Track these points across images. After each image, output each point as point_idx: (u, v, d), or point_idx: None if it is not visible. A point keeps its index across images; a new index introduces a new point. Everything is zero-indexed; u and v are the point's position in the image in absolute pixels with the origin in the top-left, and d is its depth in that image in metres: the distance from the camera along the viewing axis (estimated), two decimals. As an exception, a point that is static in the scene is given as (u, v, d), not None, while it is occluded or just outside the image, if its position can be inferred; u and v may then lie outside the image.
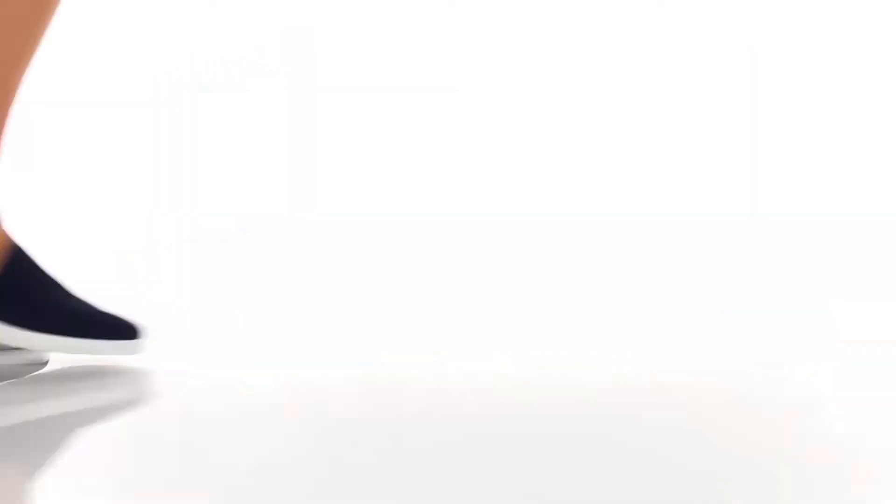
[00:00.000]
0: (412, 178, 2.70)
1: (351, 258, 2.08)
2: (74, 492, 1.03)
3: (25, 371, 1.36)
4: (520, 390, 1.42)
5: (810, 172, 2.68)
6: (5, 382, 1.30)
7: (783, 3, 2.85)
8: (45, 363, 1.38)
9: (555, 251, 2.26)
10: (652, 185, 2.67)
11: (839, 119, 2.80)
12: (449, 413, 1.32)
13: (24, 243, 1.37)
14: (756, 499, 1.05)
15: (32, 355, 1.36)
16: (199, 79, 2.82)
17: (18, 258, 1.34)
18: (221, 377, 1.37)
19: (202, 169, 2.68)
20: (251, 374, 1.39)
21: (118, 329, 1.37)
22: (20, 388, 1.31)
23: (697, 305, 1.86)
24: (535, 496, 1.05)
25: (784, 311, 1.81)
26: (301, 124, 2.67)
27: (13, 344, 1.33)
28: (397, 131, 2.75)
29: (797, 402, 1.35)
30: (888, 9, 2.82)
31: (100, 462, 1.11)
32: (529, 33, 2.85)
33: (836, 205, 2.54)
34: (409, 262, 1.68)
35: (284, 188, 2.58)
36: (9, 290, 1.32)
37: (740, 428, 1.24)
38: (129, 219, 2.47)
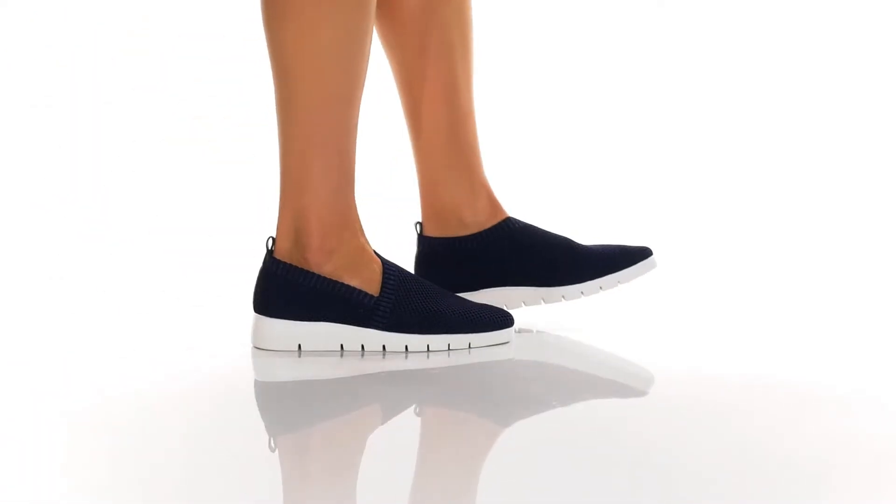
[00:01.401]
0: (411, 179, 2.70)
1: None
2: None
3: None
4: (524, 387, 1.42)
5: (811, 172, 2.69)
6: None
7: (783, 3, 2.86)
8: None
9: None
10: (652, 185, 2.67)
11: (839, 119, 2.80)
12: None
13: (394, 262, 1.51)
14: (757, 498, 1.05)
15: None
16: (201, 77, 2.83)
17: (389, 276, 1.48)
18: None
19: (200, 169, 2.67)
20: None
21: (496, 320, 1.52)
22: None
23: (698, 305, 1.86)
24: (534, 494, 1.05)
25: (785, 312, 1.81)
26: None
27: (418, 349, 1.48)
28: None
29: (797, 402, 1.35)
30: (888, 9, 2.82)
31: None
32: (529, 33, 2.85)
33: (835, 205, 2.54)
34: (410, 263, 1.69)
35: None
36: (390, 306, 1.47)
37: (742, 426, 1.24)
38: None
